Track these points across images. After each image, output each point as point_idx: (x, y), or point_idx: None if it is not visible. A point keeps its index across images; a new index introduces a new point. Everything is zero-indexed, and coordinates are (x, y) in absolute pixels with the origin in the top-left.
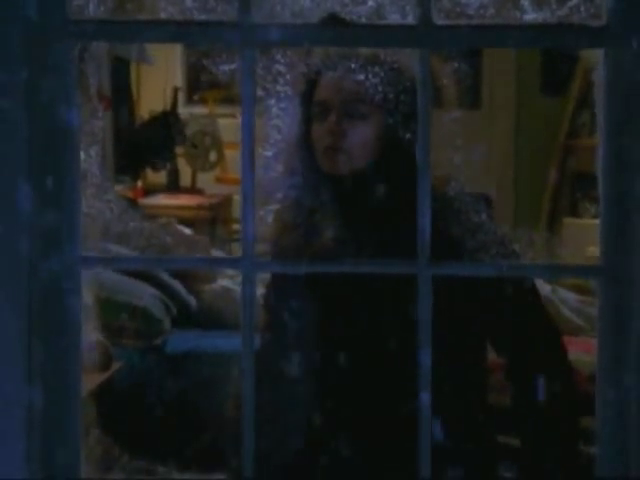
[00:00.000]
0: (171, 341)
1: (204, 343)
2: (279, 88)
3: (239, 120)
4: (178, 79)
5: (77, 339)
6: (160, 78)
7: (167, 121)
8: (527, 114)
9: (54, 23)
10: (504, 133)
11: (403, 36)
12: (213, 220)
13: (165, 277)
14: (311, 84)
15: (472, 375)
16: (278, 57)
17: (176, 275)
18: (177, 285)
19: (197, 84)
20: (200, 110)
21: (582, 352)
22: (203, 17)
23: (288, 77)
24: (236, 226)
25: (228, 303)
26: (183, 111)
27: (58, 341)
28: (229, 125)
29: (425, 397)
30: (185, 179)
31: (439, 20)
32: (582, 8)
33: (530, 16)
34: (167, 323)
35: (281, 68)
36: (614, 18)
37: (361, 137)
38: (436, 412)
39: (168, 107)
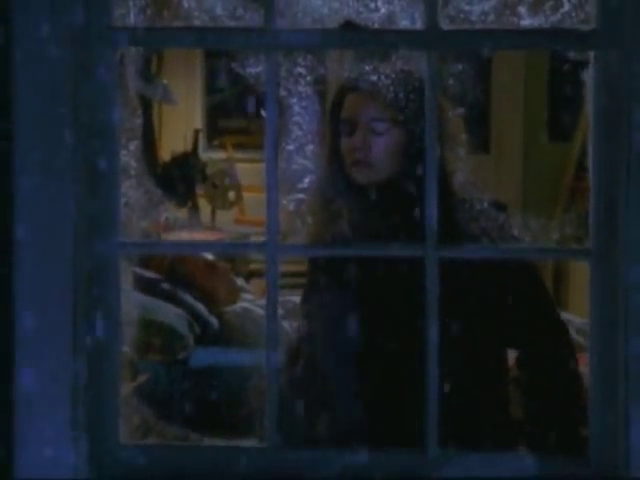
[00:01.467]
0: (194, 357)
1: (225, 359)
2: (300, 89)
3: (256, 164)
4: (198, 123)
5: (117, 317)
6: (180, 121)
7: (188, 162)
8: (534, 159)
9: (98, 30)
10: (512, 176)
11: (412, 40)
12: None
13: (189, 299)
14: (338, 103)
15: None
16: (299, 60)
17: (199, 298)
18: (200, 307)
19: (216, 130)
20: (219, 155)
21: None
22: (232, 24)
23: (309, 79)
24: (253, 265)
25: (248, 322)
26: (203, 156)
27: (100, 319)
28: (247, 169)
29: (433, 373)
30: (205, 219)
31: (445, 25)
32: (573, 14)
33: (526, 21)
34: (191, 340)
35: (302, 70)
36: (602, 23)
37: (385, 150)
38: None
39: (189, 149)
